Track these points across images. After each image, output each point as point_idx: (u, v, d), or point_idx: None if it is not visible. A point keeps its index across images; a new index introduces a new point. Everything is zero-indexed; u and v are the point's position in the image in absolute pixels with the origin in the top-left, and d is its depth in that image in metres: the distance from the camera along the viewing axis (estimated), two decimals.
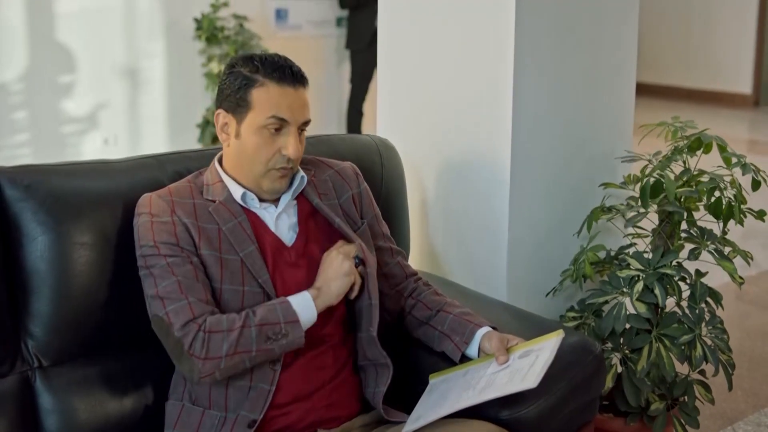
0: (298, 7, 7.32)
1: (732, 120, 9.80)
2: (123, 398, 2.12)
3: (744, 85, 10.78)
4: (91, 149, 6.45)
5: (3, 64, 6.17)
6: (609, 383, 2.60)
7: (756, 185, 2.55)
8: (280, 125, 2.04)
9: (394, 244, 2.36)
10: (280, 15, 7.25)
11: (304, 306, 2.00)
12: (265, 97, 2.04)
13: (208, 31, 6.69)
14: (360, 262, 2.07)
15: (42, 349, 2.08)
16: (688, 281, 2.68)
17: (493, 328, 2.19)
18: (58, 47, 6.35)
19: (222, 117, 2.11)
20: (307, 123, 2.09)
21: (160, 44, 6.75)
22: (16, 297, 2.07)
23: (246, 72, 2.06)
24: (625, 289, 2.58)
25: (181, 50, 6.79)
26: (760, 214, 2.64)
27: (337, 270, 2.05)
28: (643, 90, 11.73)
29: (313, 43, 7.47)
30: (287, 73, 2.04)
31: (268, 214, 2.13)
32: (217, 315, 1.97)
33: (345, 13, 7.35)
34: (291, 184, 2.16)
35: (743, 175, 2.55)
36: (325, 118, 7.50)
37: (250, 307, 2.01)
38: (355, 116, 7.31)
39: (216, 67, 6.67)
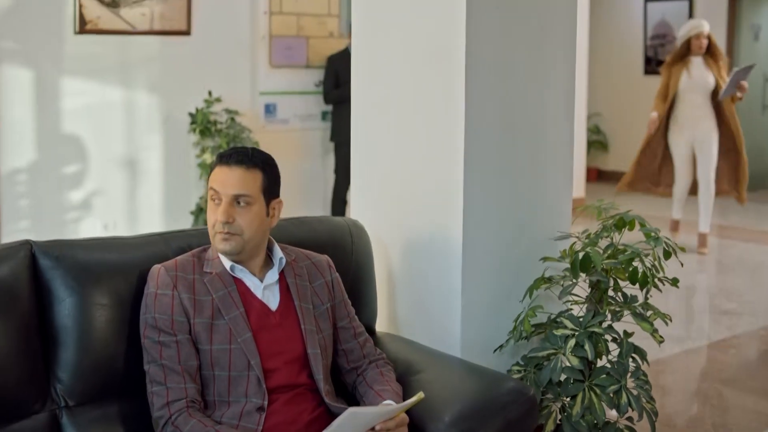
0: (286, 103, 7.71)
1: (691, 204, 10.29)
2: None
3: None
4: (92, 234, 6.77)
5: (11, 155, 6.48)
6: (550, 427, 3.04)
7: (667, 255, 3.01)
8: (217, 196, 2.54)
9: (359, 326, 2.80)
10: (269, 109, 7.64)
11: None
12: (214, 176, 2.57)
13: (202, 124, 7.02)
14: None
15: (68, 391, 2.51)
16: (618, 340, 3.14)
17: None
18: (63, 140, 6.67)
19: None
20: (240, 197, 2.53)
21: (158, 137, 7.12)
22: (47, 348, 2.51)
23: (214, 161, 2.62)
24: (560, 346, 3.02)
25: (176, 142, 7.12)
26: (674, 282, 3.11)
27: None
28: (610, 176, 12.29)
29: (300, 135, 7.85)
30: (225, 156, 2.57)
31: (254, 285, 2.60)
32: (195, 415, 2.42)
33: (329, 108, 7.77)
34: (272, 262, 2.65)
35: (654, 247, 3.02)
36: (312, 205, 7.84)
37: (239, 363, 2.49)
38: (339, 204, 7.73)
39: (209, 158, 6.95)
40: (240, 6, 7.44)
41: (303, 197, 7.78)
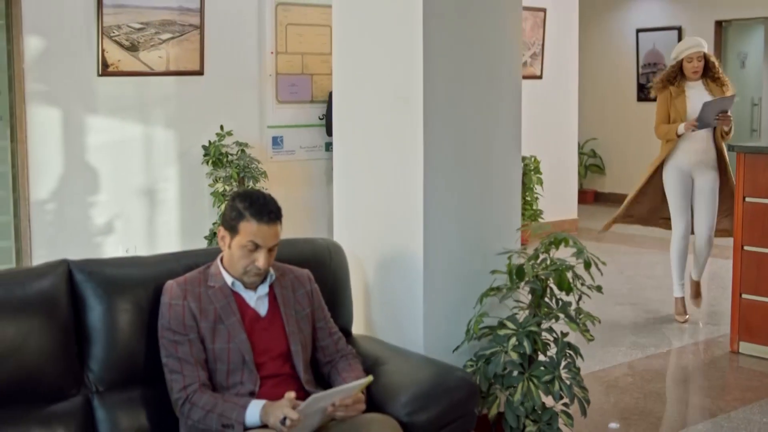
0: (292, 135, 8.32)
1: None
2: (152, 414, 3.18)
3: None
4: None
5: (41, 186, 7.03)
6: (494, 411, 3.65)
7: (587, 266, 3.63)
8: (255, 247, 3.15)
9: (333, 327, 3.43)
10: (277, 141, 8.24)
11: (252, 417, 3.00)
12: (248, 228, 3.15)
13: (215, 156, 7.66)
14: (283, 420, 2.95)
15: (98, 379, 3.15)
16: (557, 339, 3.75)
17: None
18: (88, 172, 7.24)
19: (221, 232, 3.25)
20: (274, 246, 3.17)
21: (174, 168, 7.72)
22: (81, 345, 3.15)
23: (240, 207, 3.17)
24: (504, 343, 3.64)
25: (191, 173, 7.75)
26: (597, 289, 3.73)
27: (275, 414, 2.99)
28: (606, 198, 12.90)
29: (305, 165, 8.44)
30: (265, 215, 3.15)
31: (248, 296, 3.23)
32: (205, 393, 3.06)
33: (332, 139, 8.36)
34: (265, 279, 3.26)
35: (577, 260, 3.64)
36: (316, 228, 8.32)
37: (235, 359, 3.12)
38: None
39: (221, 187, 7.55)
40: (248, 47, 8.05)
41: (308, 220, 8.33)
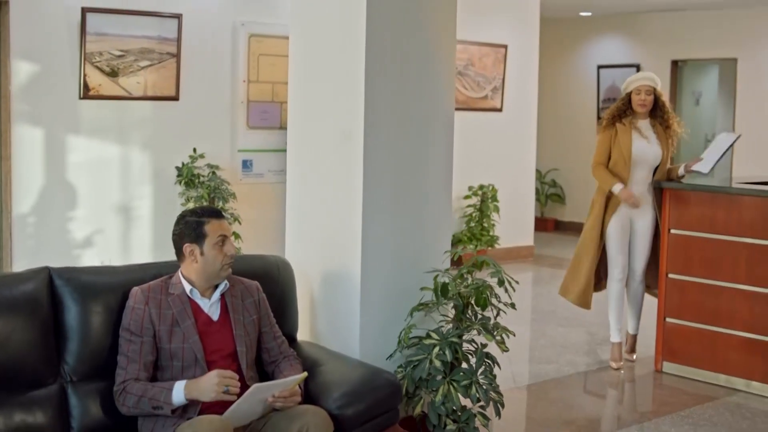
0: (261, 159, 8.74)
1: None
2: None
3: None
4: None
5: (23, 201, 7.42)
6: (418, 410, 4.17)
7: (500, 283, 4.16)
8: (224, 239, 3.67)
9: (278, 332, 3.94)
10: (246, 165, 8.66)
11: (178, 397, 3.51)
12: (213, 227, 3.69)
13: (187, 177, 8.05)
14: (226, 390, 3.51)
15: (72, 370, 3.64)
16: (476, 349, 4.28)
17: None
18: (68, 189, 7.64)
19: (188, 248, 3.73)
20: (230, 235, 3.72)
21: (149, 187, 8.11)
22: (59, 340, 3.64)
23: (196, 218, 3.71)
24: (429, 352, 4.16)
25: (165, 192, 8.14)
26: (512, 306, 4.25)
27: (210, 386, 3.51)
28: (566, 226, 13.45)
29: (274, 187, 8.76)
30: (215, 213, 3.73)
31: (203, 303, 3.74)
32: (138, 382, 3.54)
33: None
34: (218, 286, 3.76)
35: (491, 278, 4.17)
36: (279, 245, 8.48)
37: (189, 357, 3.61)
38: None
39: (193, 207, 7.96)
40: (222, 75, 8.49)
41: (273, 239, 8.50)
